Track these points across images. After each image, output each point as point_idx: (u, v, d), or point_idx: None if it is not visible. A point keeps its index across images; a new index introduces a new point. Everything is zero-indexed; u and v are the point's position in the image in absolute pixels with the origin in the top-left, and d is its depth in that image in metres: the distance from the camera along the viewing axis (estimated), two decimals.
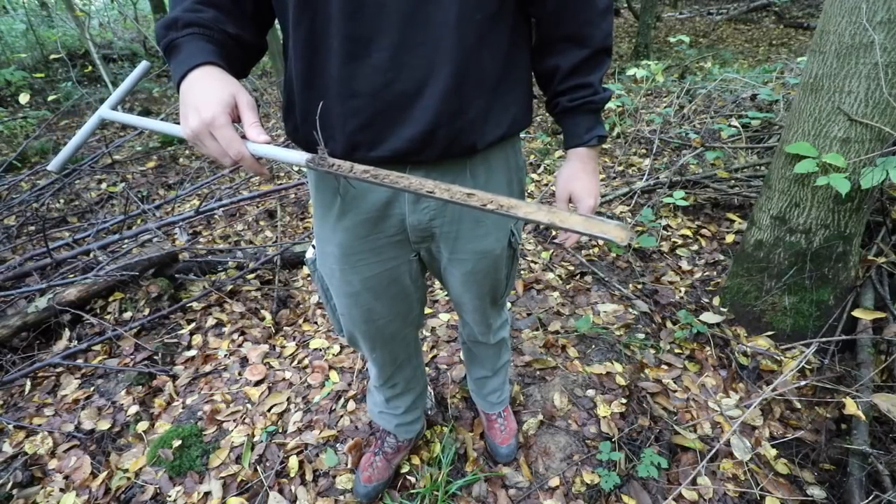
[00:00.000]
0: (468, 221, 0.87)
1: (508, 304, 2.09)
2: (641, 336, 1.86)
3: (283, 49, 0.75)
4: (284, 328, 2.06)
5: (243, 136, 0.63)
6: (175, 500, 1.39)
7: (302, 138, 0.78)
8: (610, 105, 3.46)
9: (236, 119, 0.64)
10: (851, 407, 1.34)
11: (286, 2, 0.68)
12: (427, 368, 1.79)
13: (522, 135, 4.00)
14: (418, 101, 0.70)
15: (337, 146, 0.73)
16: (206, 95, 0.61)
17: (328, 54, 0.68)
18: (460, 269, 0.94)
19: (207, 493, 1.41)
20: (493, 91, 0.74)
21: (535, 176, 3.26)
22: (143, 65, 0.82)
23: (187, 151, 4.03)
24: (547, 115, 4.55)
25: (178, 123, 0.65)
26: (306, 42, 0.69)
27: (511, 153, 0.88)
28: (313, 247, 0.99)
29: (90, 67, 6.28)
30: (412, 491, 1.39)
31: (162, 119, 4.30)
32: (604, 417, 1.55)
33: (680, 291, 2.09)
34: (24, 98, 3.51)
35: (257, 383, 1.77)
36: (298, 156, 0.60)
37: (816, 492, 1.33)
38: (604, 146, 3.64)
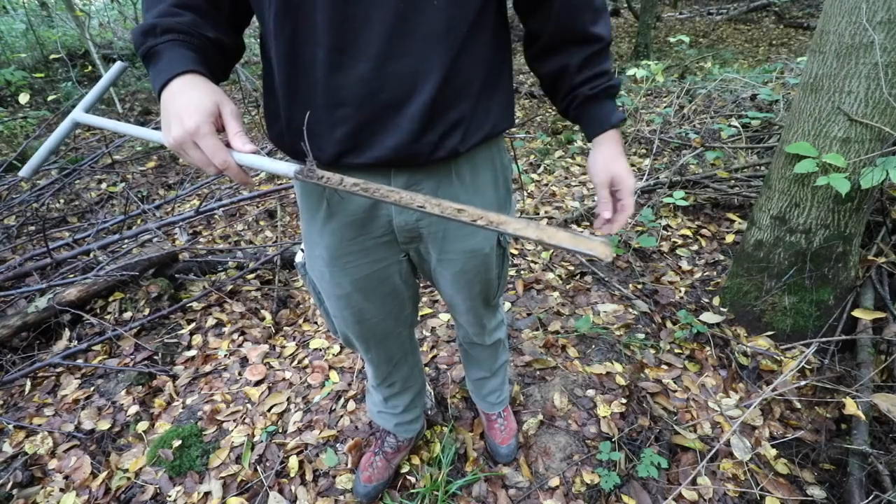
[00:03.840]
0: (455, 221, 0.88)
1: (508, 304, 2.09)
2: (641, 336, 1.86)
3: (262, 52, 0.74)
4: (284, 328, 2.06)
5: (228, 145, 0.63)
6: (175, 500, 1.39)
7: (287, 145, 0.78)
8: None
9: (220, 128, 0.63)
10: (851, 407, 1.34)
11: (266, 11, 0.67)
12: (427, 368, 1.79)
13: (522, 135, 4.00)
14: (404, 111, 0.70)
15: (323, 154, 0.73)
16: (190, 105, 0.60)
17: (313, 63, 0.68)
18: (450, 270, 0.94)
19: (207, 493, 1.41)
20: (476, 97, 0.75)
21: (535, 176, 3.26)
22: (117, 65, 0.80)
23: None
24: (546, 115, 4.54)
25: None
26: (288, 51, 0.68)
27: (496, 151, 0.88)
28: (302, 250, 0.99)
29: (90, 67, 6.28)
30: (412, 491, 1.39)
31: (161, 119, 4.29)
32: (604, 417, 1.55)
33: (680, 291, 2.09)
34: (24, 98, 3.51)
35: (257, 383, 1.77)
36: (286, 167, 0.59)
37: (816, 492, 1.33)
38: None
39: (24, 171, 0.75)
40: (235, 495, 1.40)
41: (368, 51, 0.66)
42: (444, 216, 0.50)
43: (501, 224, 0.48)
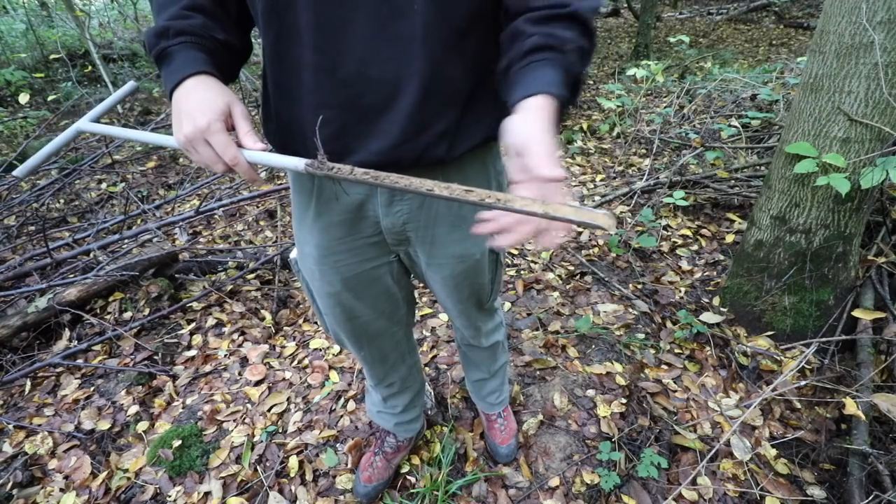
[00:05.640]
0: (444, 226, 0.86)
1: (508, 305, 2.09)
2: (641, 336, 1.86)
3: (263, 52, 0.75)
4: (284, 328, 2.06)
5: (238, 145, 0.64)
6: (175, 500, 1.39)
7: (279, 142, 0.78)
8: (610, 105, 3.46)
9: (230, 128, 0.64)
10: (851, 407, 1.34)
11: (255, 10, 0.68)
12: (427, 368, 1.79)
13: None
14: (386, 115, 0.70)
15: (309, 154, 0.73)
16: (202, 104, 0.61)
17: (299, 64, 0.68)
18: (439, 274, 0.94)
19: (207, 493, 1.41)
20: (464, 104, 0.74)
21: None
22: (129, 84, 0.84)
23: None
24: None
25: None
26: (275, 50, 0.69)
27: (489, 159, 0.87)
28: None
29: (90, 67, 6.28)
30: (412, 491, 1.39)
31: (161, 119, 4.29)
32: (604, 417, 1.55)
33: (680, 291, 2.09)
34: (24, 98, 3.51)
35: (257, 383, 1.77)
36: (296, 161, 0.60)
37: (816, 492, 1.33)
38: (603, 146, 3.64)
39: (19, 172, 0.76)
40: (235, 495, 1.40)
41: (351, 54, 0.66)
42: (454, 197, 0.52)
43: (509, 202, 0.50)
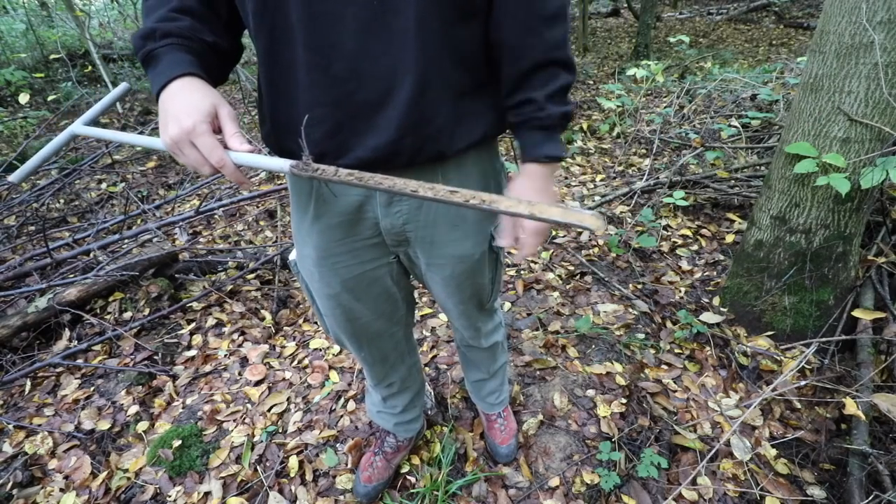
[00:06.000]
0: (444, 226, 0.86)
1: (508, 305, 2.09)
2: (641, 336, 1.86)
3: (257, 55, 0.76)
4: (284, 328, 2.06)
5: (225, 146, 0.63)
6: (175, 500, 1.39)
7: (274, 143, 0.78)
8: (610, 105, 3.46)
9: (217, 130, 0.64)
10: (851, 407, 1.34)
11: (246, 11, 0.68)
12: (427, 368, 1.79)
13: None
14: (382, 111, 0.69)
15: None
16: (188, 105, 0.61)
17: (293, 62, 0.68)
18: (439, 274, 0.93)
19: (207, 493, 1.41)
20: (461, 98, 0.73)
21: None
22: (122, 86, 0.84)
23: None
24: None
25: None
26: (267, 51, 0.69)
27: (486, 157, 0.86)
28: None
29: (90, 67, 6.28)
30: (412, 491, 1.39)
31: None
32: (604, 417, 1.55)
33: (680, 291, 2.09)
34: (24, 98, 3.51)
35: (257, 383, 1.77)
36: (281, 163, 0.59)
37: (816, 492, 1.33)
38: (603, 146, 3.64)
39: (15, 177, 0.76)
40: (235, 495, 1.40)
41: (343, 49, 0.65)
42: (438, 198, 0.51)
43: (493, 203, 0.49)
